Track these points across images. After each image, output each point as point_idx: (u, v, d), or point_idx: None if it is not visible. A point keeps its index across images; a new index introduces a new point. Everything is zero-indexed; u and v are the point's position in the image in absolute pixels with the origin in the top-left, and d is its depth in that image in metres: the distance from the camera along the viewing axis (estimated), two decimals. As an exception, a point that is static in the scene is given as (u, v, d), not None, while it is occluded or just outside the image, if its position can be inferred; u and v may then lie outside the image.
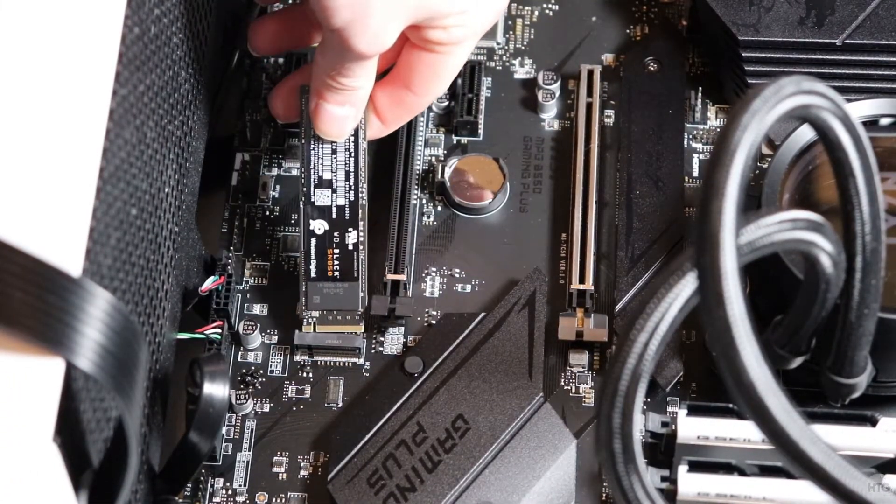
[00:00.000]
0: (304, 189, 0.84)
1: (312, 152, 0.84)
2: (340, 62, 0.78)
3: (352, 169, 0.84)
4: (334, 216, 0.84)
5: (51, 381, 0.58)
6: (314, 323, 0.83)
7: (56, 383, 0.58)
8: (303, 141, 0.84)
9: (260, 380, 0.83)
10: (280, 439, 0.82)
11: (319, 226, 0.84)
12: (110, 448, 0.64)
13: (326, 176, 0.84)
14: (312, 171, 0.84)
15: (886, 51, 0.86)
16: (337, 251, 0.83)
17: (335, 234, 0.84)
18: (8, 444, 0.57)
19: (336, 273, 0.83)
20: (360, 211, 0.84)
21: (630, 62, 0.91)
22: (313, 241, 0.83)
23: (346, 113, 0.82)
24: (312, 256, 0.83)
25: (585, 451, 0.80)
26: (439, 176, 0.88)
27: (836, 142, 0.65)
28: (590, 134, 0.88)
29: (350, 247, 0.83)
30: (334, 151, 0.84)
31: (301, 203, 0.84)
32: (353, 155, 0.84)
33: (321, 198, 0.84)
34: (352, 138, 0.84)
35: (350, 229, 0.84)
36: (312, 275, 0.83)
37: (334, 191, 0.84)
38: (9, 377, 0.58)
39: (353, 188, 0.84)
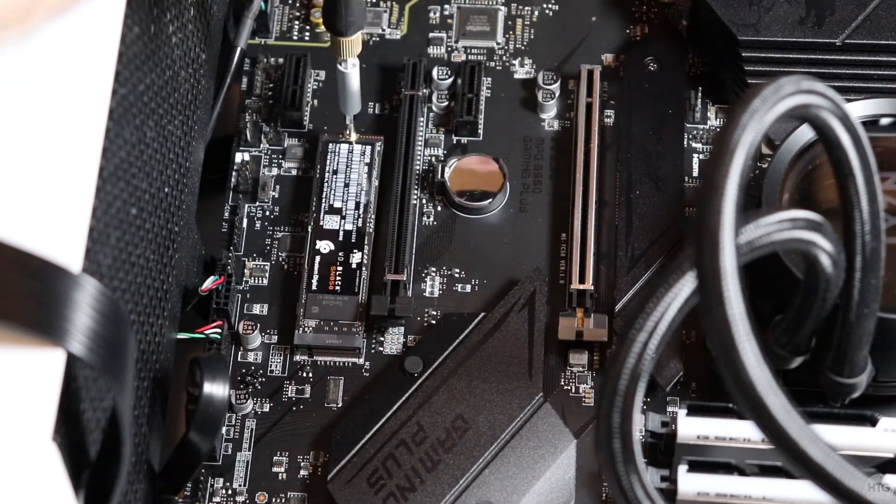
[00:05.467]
0: (315, 215, 0.85)
1: (326, 184, 0.86)
2: None
3: (362, 201, 0.86)
4: (341, 239, 0.85)
5: (50, 380, 0.58)
6: (311, 332, 0.83)
7: (55, 382, 0.59)
8: (317, 175, 0.87)
9: (260, 380, 0.83)
10: (280, 439, 0.82)
11: (325, 246, 0.85)
12: (106, 441, 0.64)
13: (337, 205, 0.86)
14: (324, 201, 0.86)
15: (886, 51, 0.86)
16: (340, 269, 0.84)
17: (340, 253, 0.85)
18: (7, 442, 0.57)
19: (337, 287, 0.84)
20: (367, 237, 0.85)
21: (630, 62, 0.91)
22: (317, 258, 0.84)
23: None
24: (315, 272, 0.84)
25: (585, 451, 0.80)
26: (439, 176, 0.88)
27: (835, 141, 0.65)
28: (590, 134, 0.88)
29: (353, 266, 0.84)
30: (346, 185, 0.86)
31: (309, 228, 0.85)
32: (365, 190, 0.86)
33: (329, 222, 0.85)
34: (365, 174, 0.87)
35: (355, 251, 0.84)
36: (313, 287, 0.84)
37: (343, 217, 0.85)
38: (7, 376, 0.58)
39: (361, 217, 0.85)
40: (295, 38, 0.94)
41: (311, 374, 0.83)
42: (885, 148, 0.79)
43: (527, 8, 0.94)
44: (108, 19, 0.66)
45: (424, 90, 0.91)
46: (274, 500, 0.80)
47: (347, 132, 0.88)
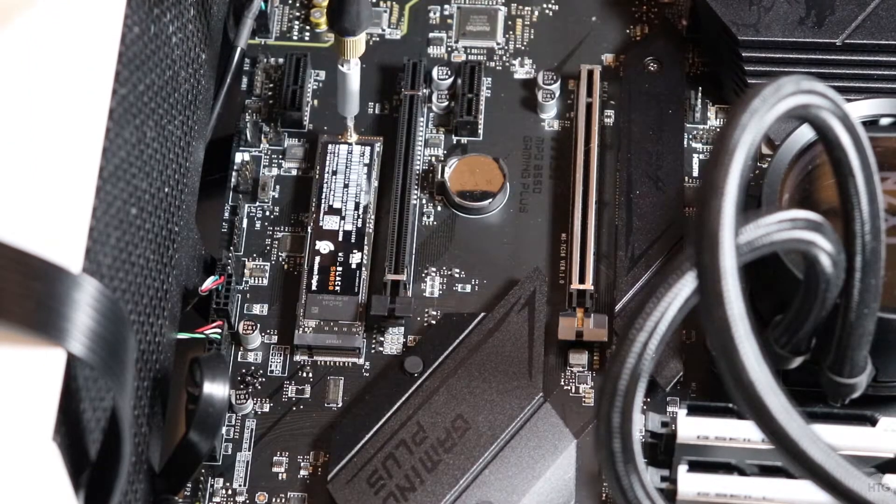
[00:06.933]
0: (315, 215, 0.86)
1: (325, 185, 0.86)
2: None
3: (362, 201, 0.86)
4: (340, 239, 0.85)
5: (50, 380, 0.58)
6: (311, 332, 0.83)
7: (56, 381, 0.59)
8: (317, 176, 0.87)
9: (260, 380, 0.83)
10: (280, 439, 0.82)
11: (325, 246, 0.85)
12: (106, 441, 0.64)
13: (336, 205, 0.86)
14: (324, 201, 0.86)
15: (886, 51, 0.86)
16: (340, 269, 0.84)
17: (339, 254, 0.85)
18: (7, 442, 0.57)
19: (337, 287, 0.84)
20: (367, 238, 0.85)
21: (630, 62, 0.91)
22: (317, 258, 0.84)
23: None
24: (315, 272, 0.84)
25: (585, 451, 0.80)
26: (439, 176, 0.88)
27: (835, 141, 0.65)
28: (590, 134, 0.88)
29: (353, 266, 0.84)
30: (346, 186, 0.86)
31: (309, 228, 0.85)
32: (364, 191, 0.86)
33: (329, 223, 0.85)
34: (365, 176, 0.87)
35: (355, 251, 0.84)
36: (313, 288, 0.84)
37: (342, 217, 0.85)
38: (7, 376, 0.58)
39: (360, 217, 0.85)
40: (295, 38, 0.94)
41: (311, 374, 0.83)
42: (885, 148, 0.79)
43: (527, 8, 0.94)
44: (108, 19, 0.66)
45: (424, 90, 0.91)
46: (274, 500, 0.80)
47: (347, 133, 0.88)
